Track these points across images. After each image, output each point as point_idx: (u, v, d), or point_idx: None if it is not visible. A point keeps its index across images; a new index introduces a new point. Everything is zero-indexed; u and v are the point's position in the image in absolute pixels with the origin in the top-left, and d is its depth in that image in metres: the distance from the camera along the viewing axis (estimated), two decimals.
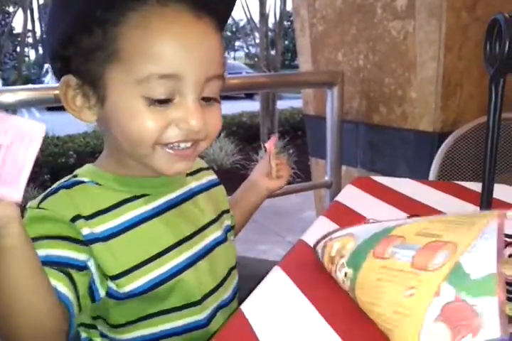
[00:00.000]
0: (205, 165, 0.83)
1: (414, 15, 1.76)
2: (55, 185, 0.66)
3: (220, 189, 0.82)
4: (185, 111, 0.58)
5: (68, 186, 0.65)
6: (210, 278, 0.71)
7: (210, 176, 0.82)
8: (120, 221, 0.64)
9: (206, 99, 0.61)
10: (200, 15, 0.59)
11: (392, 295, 0.48)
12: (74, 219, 0.61)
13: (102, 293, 0.63)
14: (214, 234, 0.75)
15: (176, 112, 0.59)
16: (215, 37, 0.61)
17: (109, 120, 0.61)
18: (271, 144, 0.90)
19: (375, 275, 0.52)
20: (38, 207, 0.62)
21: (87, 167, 0.69)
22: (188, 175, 0.75)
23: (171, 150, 0.61)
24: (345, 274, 0.57)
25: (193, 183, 0.76)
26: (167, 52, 0.56)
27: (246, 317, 0.55)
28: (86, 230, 0.61)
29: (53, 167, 5.11)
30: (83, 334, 0.69)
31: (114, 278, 0.62)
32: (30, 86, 1.34)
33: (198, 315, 0.68)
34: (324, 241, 0.65)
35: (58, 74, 0.63)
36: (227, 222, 0.80)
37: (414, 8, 1.75)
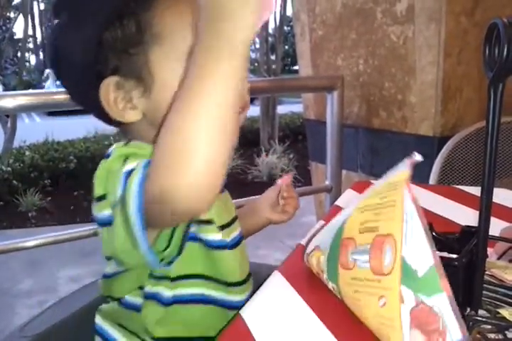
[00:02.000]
0: None
1: (413, 20, 1.77)
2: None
3: (228, 195, 0.81)
4: None
5: None
6: (242, 268, 0.71)
7: None
8: None
9: None
10: None
11: (371, 307, 0.47)
12: None
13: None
14: (238, 229, 0.74)
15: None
16: None
17: (162, 107, 0.59)
18: (284, 181, 0.89)
19: (351, 288, 0.51)
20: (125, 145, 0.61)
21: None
22: None
23: (240, 114, 0.63)
24: (333, 288, 0.57)
25: None
26: None
27: (245, 322, 0.55)
28: None
29: (54, 172, 5.10)
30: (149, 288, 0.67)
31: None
32: (30, 91, 1.34)
33: (238, 296, 0.69)
34: (305, 256, 0.65)
35: (91, 85, 0.60)
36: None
37: (414, 13, 1.75)
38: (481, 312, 0.53)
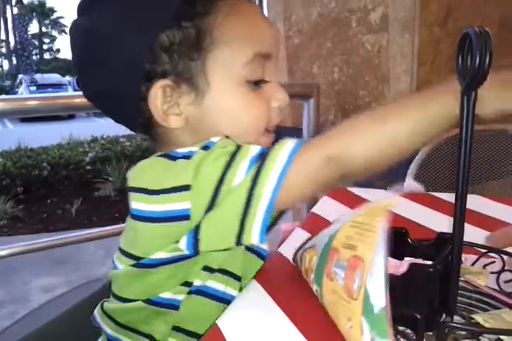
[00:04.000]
0: None
1: (387, 29, 1.80)
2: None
3: None
4: (275, 89, 0.63)
5: None
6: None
7: None
8: None
9: None
10: None
11: (343, 325, 0.47)
12: None
13: None
14: None
15: (268, 93, 0.62)
16: None
17: (211, 115, 0.60)
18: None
19: (331, 298, 0.51)
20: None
21: None
22: None
23: (270, 135, 0.65)
24: (316, 291, 0.57)
25: None
26: (265, 32, 0.60)
27: (221, 332, 0.54)
28: None
29: (26, 179, 5.00)
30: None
31: None
32: (3, 96, 1.32)
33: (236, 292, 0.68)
34: (299, 252, 0.64)
35: (140, 88, 0.59)
36: None
37: (388, 23, 1.78)
38: (455, 318, 0.53)
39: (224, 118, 0.60)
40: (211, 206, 0.54)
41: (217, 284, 0.64)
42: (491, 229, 0.83)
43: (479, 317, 0.50)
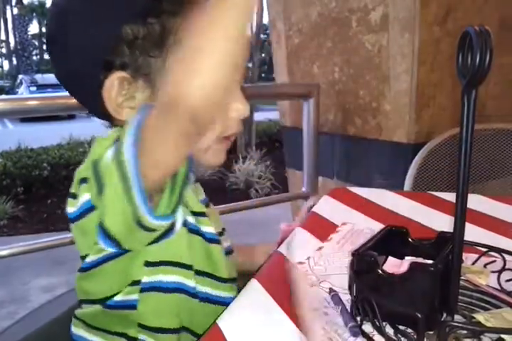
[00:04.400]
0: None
1: (388, 29, 1.79)
2: None
3: (214, 210, 0.79)
4: (237, 99, 0.61)
5: None
6: (229, 268, 0.71)
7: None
8: None
9: None
10: None
11: None
12: None
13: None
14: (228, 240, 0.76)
15: (230, 101, 0.60)
16: None
17: None
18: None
19: None
20: None
21: None
22: None
23: (225, 143, 0.64)
24: None
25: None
26: None
27: (222, 331, 0.54)
28: None
29: (27, 179, 5.01)
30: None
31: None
32: (3, 97, 1.32)
33: (225, 293, 0.69)
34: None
35: (99, 76, 0.59)
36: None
37: (388, 22, 1.78)
38: (456, 317, 0.53)
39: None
40: (100, 189, 0.54)
41: (168, 277, 0.63)
42: (492, 228, 0.83)
43: (480, 317, 0.50)
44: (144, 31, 0.57)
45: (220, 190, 5.03)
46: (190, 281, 0.65)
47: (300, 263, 0.72)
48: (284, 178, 3.54)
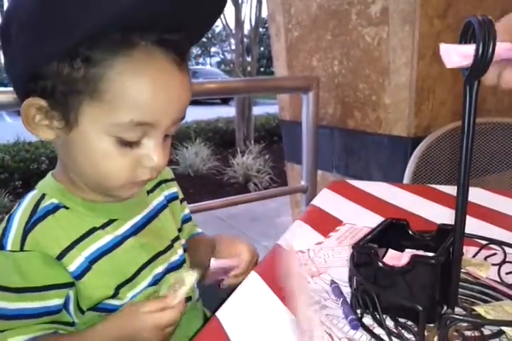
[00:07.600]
0: (171, 176, 0.80)
1: (387, 22, 1.78)
2: (27, 207, 0.65)
3: (177, 204, 0.80)
4: (152, 151, 0.59)
5: (41, 218, 0.63)
6: None
7: (172, 189, 0.79)
8: (88, 252, 0.63)
9: (165, 136, 0.62)
10: (181, 64, 0.58)
11: None
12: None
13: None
14: (181, 248, 0.75)
15: (142, 152, 0.59)
16: (190, 84, 0.61)
17: (75, 149, 0.59)
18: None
19: None
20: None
21: (52, 183, 0.69)
22: (148, 192, 0.74)
23: (136, 187, 0.64)
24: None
25: (154, 201, 0.75)
26: (151, 103, 0.56)
27: (221, 323, 0.54)
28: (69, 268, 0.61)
29: (25, 173, 5.00)
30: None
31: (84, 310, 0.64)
32: (2, 89, 1.31)
33: None
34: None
35: (22, 93, 0.59)
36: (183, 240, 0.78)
37: (388, 15, 1.77)
38: (457, 309, 0.53)
39: (85, 158, 0.59)
40: None
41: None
42: (492, 221, 0.83)
43: (481, 309, 0.49)
44: (68, 70, 0.55)
45: (218, 183, 5.04)
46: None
47: (301, 252, 0.72)
48: (282, 172, 3.54)
